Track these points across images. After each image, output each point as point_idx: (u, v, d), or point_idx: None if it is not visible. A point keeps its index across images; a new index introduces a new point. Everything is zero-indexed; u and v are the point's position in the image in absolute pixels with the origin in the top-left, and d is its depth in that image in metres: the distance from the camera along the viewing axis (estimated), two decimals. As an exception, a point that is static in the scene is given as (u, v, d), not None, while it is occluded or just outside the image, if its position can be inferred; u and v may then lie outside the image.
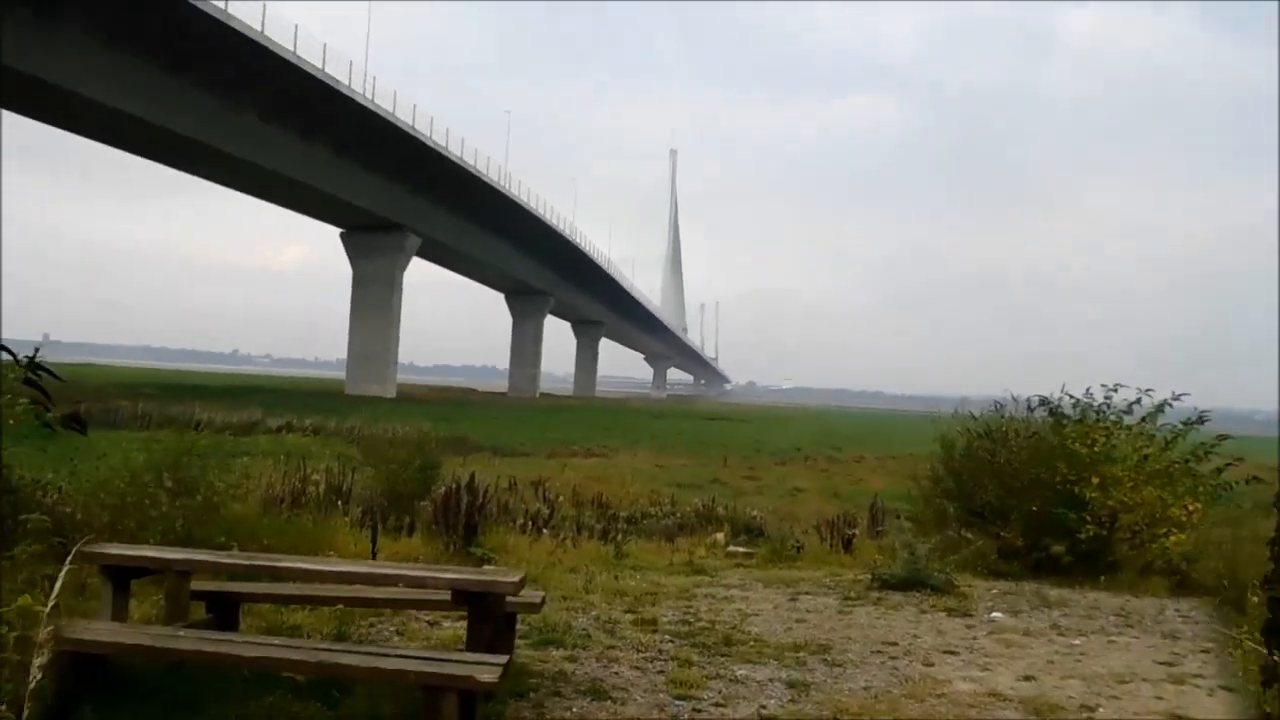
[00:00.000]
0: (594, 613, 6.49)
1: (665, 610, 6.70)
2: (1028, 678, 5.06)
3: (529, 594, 4.63)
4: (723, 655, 5.28)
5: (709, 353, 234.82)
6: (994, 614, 6.97)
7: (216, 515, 8.38)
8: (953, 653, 5.57)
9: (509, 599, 4.15)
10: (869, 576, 8.80)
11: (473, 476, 9.84)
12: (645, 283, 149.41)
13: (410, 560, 8.73)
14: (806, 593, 7.87)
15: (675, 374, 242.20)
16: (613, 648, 5.35)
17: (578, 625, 6.02)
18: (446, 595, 4.17)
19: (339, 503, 9.92)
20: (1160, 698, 4.87)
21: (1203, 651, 5.95)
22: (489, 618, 4.01)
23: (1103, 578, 9.39)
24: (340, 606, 5.53)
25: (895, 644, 5.75)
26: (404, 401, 61.43)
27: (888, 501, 22.74)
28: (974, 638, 6.01)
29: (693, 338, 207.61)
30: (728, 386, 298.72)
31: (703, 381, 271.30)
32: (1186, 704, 4.79)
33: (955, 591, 8.08)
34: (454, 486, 9.69)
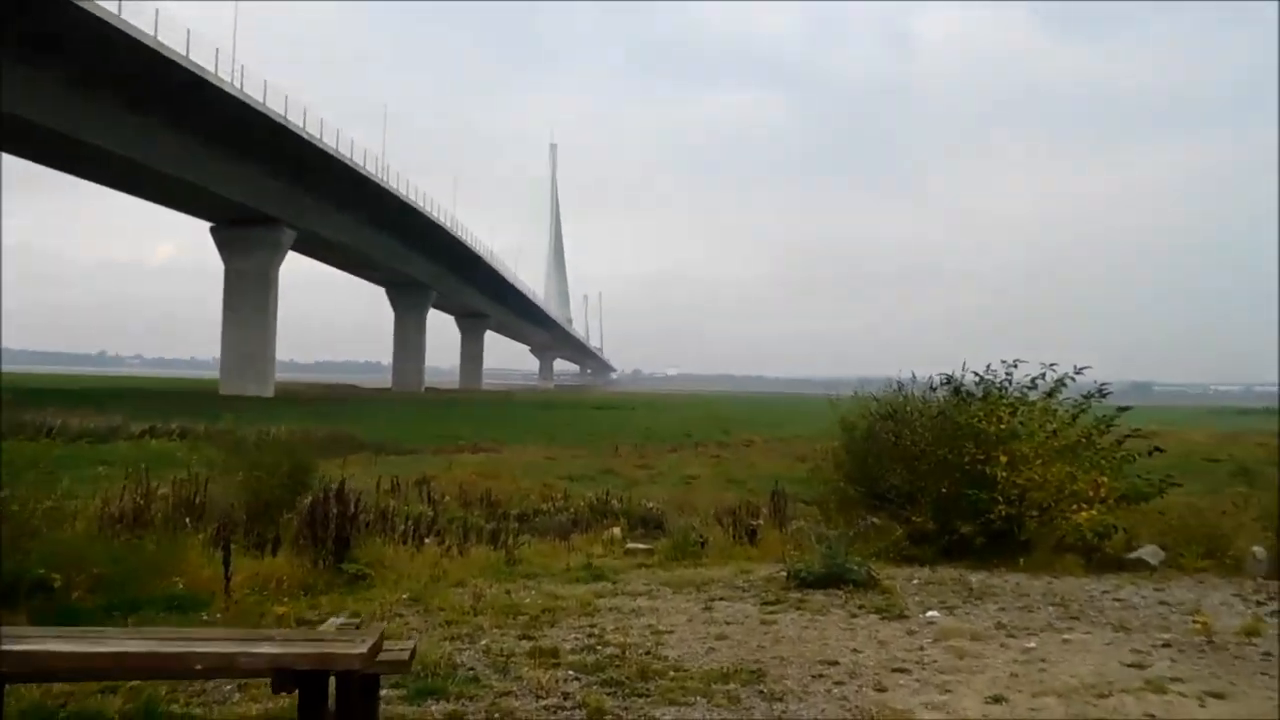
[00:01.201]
0: (484, 642, 5.48)
1: (566, 633, 5.74)
2: (996, 698, 4.30)
3: (392, 649, 3.58)
4: (640, 695, 4.35)
5: (594, 343, 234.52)
6: (929, 613, 6.26)
7: (32, 542, 7.04)
8: (903, 670, 4.79)
9: (358, 669, 3.03)
10: (784, 574, 8.05)
11: (343, 483, 8.65)
12: (530, 275, 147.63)
13: (273, 582, 7.55)
14: (720, 598, 7.03)
15: (562, 364, 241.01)
16: (507, 694, 4.34)
17: (464, 662, 5.00)
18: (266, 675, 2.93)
19: (187, 519, 8.56)
20: (1151, 715, 4.19)
21: (1164, 646, 5.36)
22: (328, 698, 2.90)
23: (1021, 560, 8.85)
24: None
25: (836, 663, 4.93)
26: (282, 400, 58.65)
27: (783, 485, 22.43)
28: (919, 648, 5.25)
29: (578, 328, 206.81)
30: (614, 375, 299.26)
31: (589, 371, 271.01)
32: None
33: (878, 586, 7.38)
34: (322, 495, 8.48)
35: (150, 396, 51.95)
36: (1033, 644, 5.31)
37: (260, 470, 12.13)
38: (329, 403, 61.76)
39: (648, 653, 5.18)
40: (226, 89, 50.27)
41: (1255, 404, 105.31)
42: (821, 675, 4.71)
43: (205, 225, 69.19)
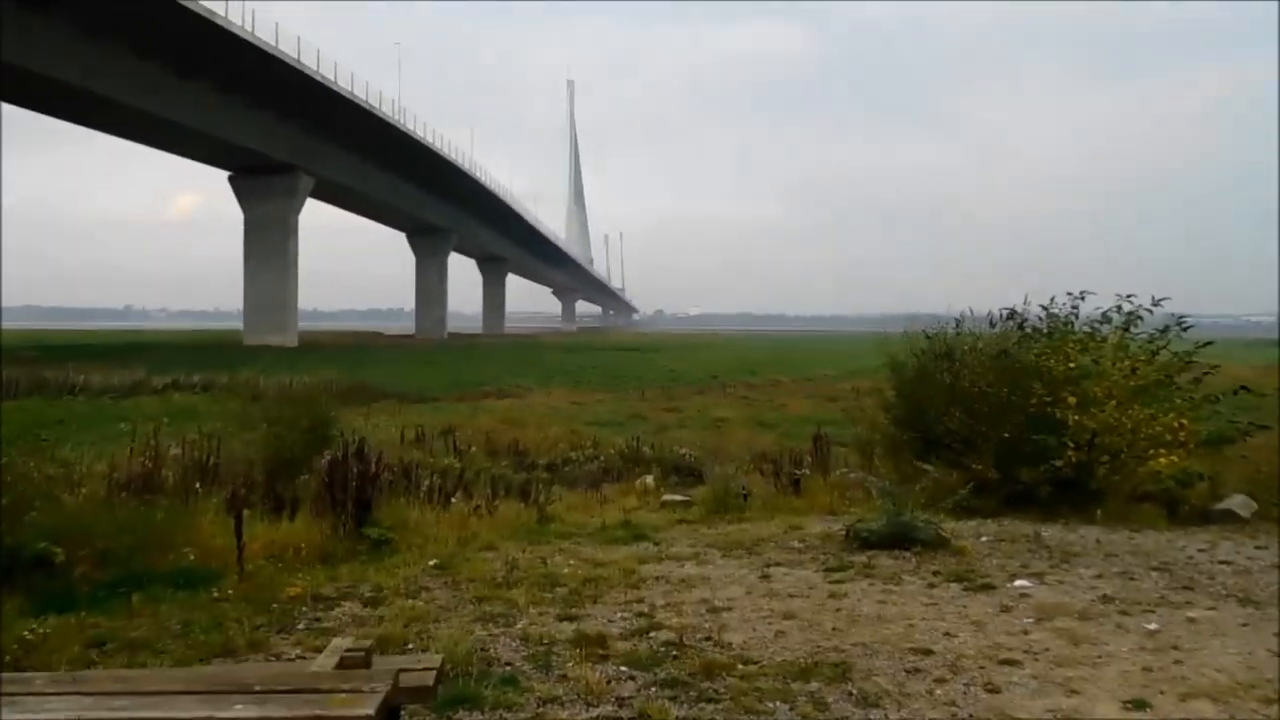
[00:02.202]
0: (520, 625, 4.83)
1: (612, 612, 5.08)
2: (1137, 703, 3.58)
3: (413, 664, 2.90)
4: (708, 699, 3.65)
5: (616, 283, 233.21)
6: (1018, 582, 5.55)
7: (32, 514, 6.48)
8: (1012, 663, 4.09)
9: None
10: (840, 531, 7.38)
11: (362, 441, 8.03)
12: (549, 217, 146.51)
13: (290, 551, 6.96)
14: (777, 563, 6.36)
15: (584, 306, 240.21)
16: (551, 700, 3.68)
17: (499, 654, 4.35)
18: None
19: (198, 485, 7.98)
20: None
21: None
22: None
23: (1099, 511, 8.13)
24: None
25: (930, 652, 4.24)
26: (306, 350, 58.34)
27: (812, 426, 21.71)
28: (1024, 631, 4.55)
29: (599, 269, 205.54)
30: (636, 316, 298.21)
31: (611, 312, 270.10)
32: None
33: (948, 546, 6.69)
34: (341, 454, 7.86)
35: (175, 350, 51.80)
36: (1153, 625, 4.60)
37: (279, 426, 11.58)
38: (352, 351, 61.44)
39: (708, 638, 4.50)
40: (238, 33, 49.10)
41: None
42: (917, 670, 4.01)
43: (221, 174, 68.51)
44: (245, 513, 7.38)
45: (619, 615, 5.03)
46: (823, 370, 48.28)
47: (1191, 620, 4.72)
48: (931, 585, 5.59)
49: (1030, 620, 4.75)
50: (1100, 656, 4.17)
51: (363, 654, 2.46)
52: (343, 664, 2.40)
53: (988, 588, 5.46)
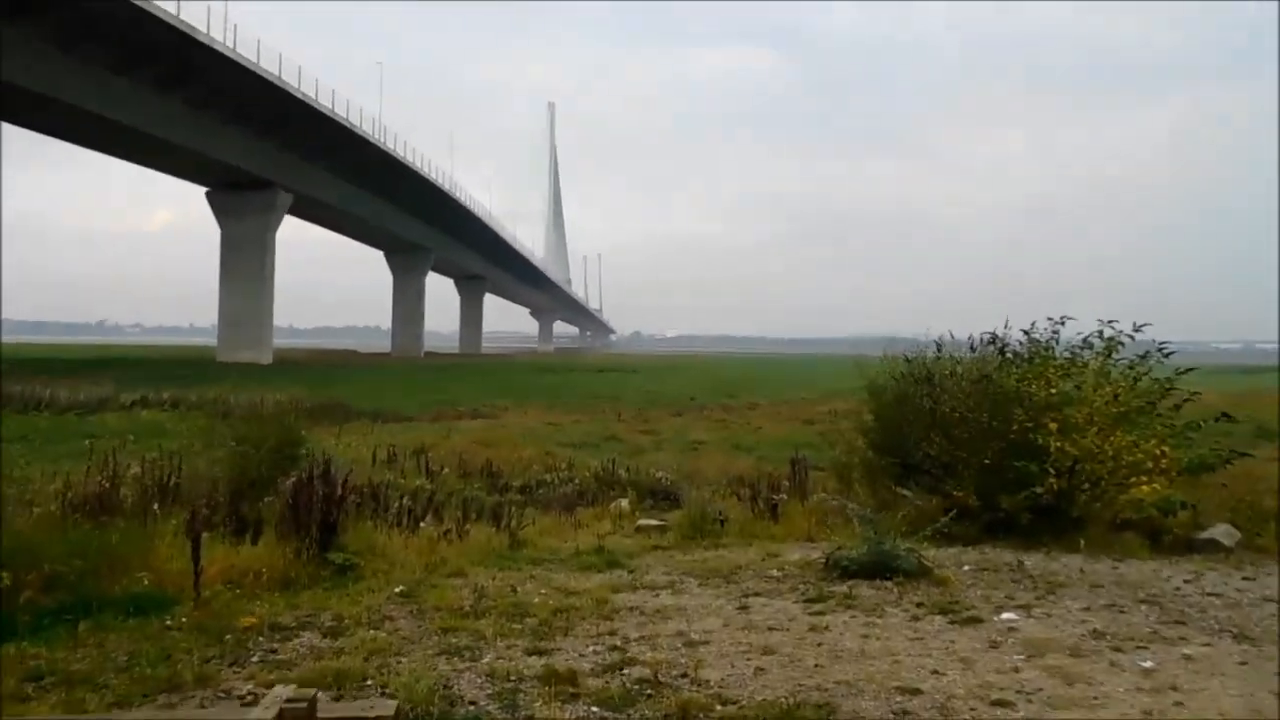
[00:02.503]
0: (486, 659, 4.58)
1: (584, 645, 4.84)
2: (1136, 751, 3.41)
3: (364, 713, 2.66)
4: (685, 746, 3.46)
5: (593, 304, 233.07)
6: (1005, 615, 5.37)
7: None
8: (1005, 704, 3.88)
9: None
10: (818, 558, 7.18)
11: (328, 463, 7.75)
12: (528, 236, 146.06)
13: (250, 576, 6.67)
14: (755, 593, 6.14)
15: (561, 327, 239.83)
16: (517, 746, 3.45)
17: (463, 692, 4.10)
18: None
19: (156, 506, 7.65)
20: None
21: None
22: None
23: (1081, 540, 7.97)
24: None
25: (919, 692, 4.02)
26: (280, 367, 57.75)
27: (789, 449, 21.51)
28: (1014, 669, 4.35)
29: (577, 290, 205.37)
30: (613, 337, 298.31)
31: (588, 333, 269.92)
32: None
33: (930, 576, 6.50)
34: (305, 475, 7.58)
35: (146, 365, 51.06)
36: (1149, 662, 4.42)
37: (246, 444, 11.26)
38: (327, 369, 60.86)
39: (684, 675, 4.28)
40: (219, 49, 48.84)
41: (1258, 361, 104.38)
42: (905, 712, 3.79)
43: (199, 190, 67.92)
44: (206, 535, 7.08)
45: (590, 649, 4.80)
46: (799, 392, 48.22)
47: (1188, 658, 4.54)
48: (915, 618, 5.39)
49: (1020, 657, 4.56)
50: (1096, 698, 3.98)
51: (305, 705, 2.23)
52: (283, 717, 2.16)
53: (974, 620, 5.26)
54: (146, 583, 6.29)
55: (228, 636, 4.96)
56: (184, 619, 5.38)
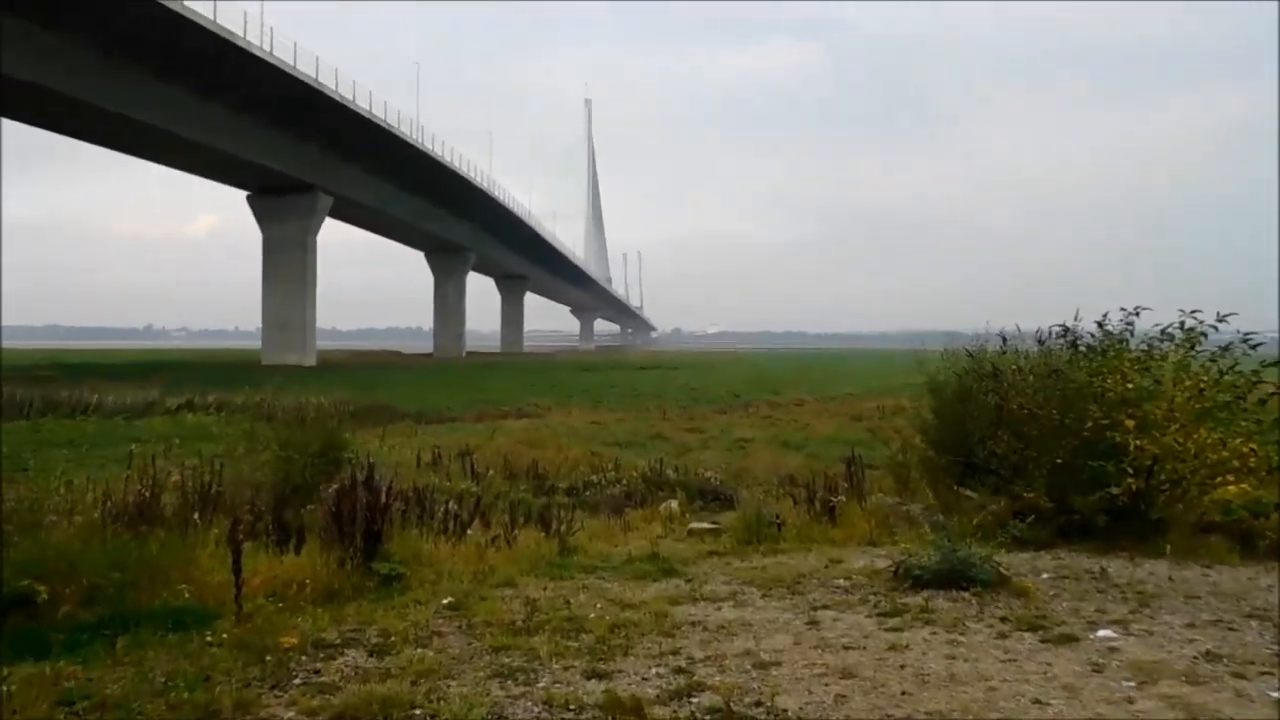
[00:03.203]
0: (542, 683, 4.28)
1: (645, 667, 4.52)
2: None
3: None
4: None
5: (634, 302, 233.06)
6: (1101, 632, 4.96)
7: (12, 549, 6.01)
8: (1124, 742, 3.53)
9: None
10: (886, 566, 6.81)
11: (371, 469, 7.50)
12: (567, 235, 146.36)
13: (294, 587, 6.45)
14: (823, 605, 5.79)
15: (602, 325, 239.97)
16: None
17: (518, 723, 3.81)
18: None
19: (196, 515, 7.46)
20: None
21: None
22: None
23: (1167, 545, 7.51)
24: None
25: (1022, 724, 3.67)
26: (324, 369, 58.23)
27: (839, 447, 21.14)
28: (1126, 698, 3.94)
29: (617, 288, 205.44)
30: (654, 334, 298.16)
31: (629, 331, 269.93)
32: None
33: (1009, 585, 6.10)
34: (348, 482, 7.35)
35: (192, 369, 51.74)
36: (1276, 694, 4.01)
37: (289, 449, 11.11)
38: (370, 370, 61.30)
39: (759, 703, 3.93)
40: (257, 53, 49.27)
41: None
42: (1011, 749, 3.46)
43: (241, 194, 68.67)
44: (248, 545, 6.89)
45: (653, 671, 4.47)
46: (844, 388, 47.66)
47: (1319, 685, 4.12)
48: (1002, 635, 5.00)
49: (1130, 684, 4.15)
50: (1228, 737, 3.59)
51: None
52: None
53: (1068, 639, 4.86)
54: (187, 595, 6.09)
55: (269, 657, 4.70)
56: (225, 634, 5.15)
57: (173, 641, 5.06)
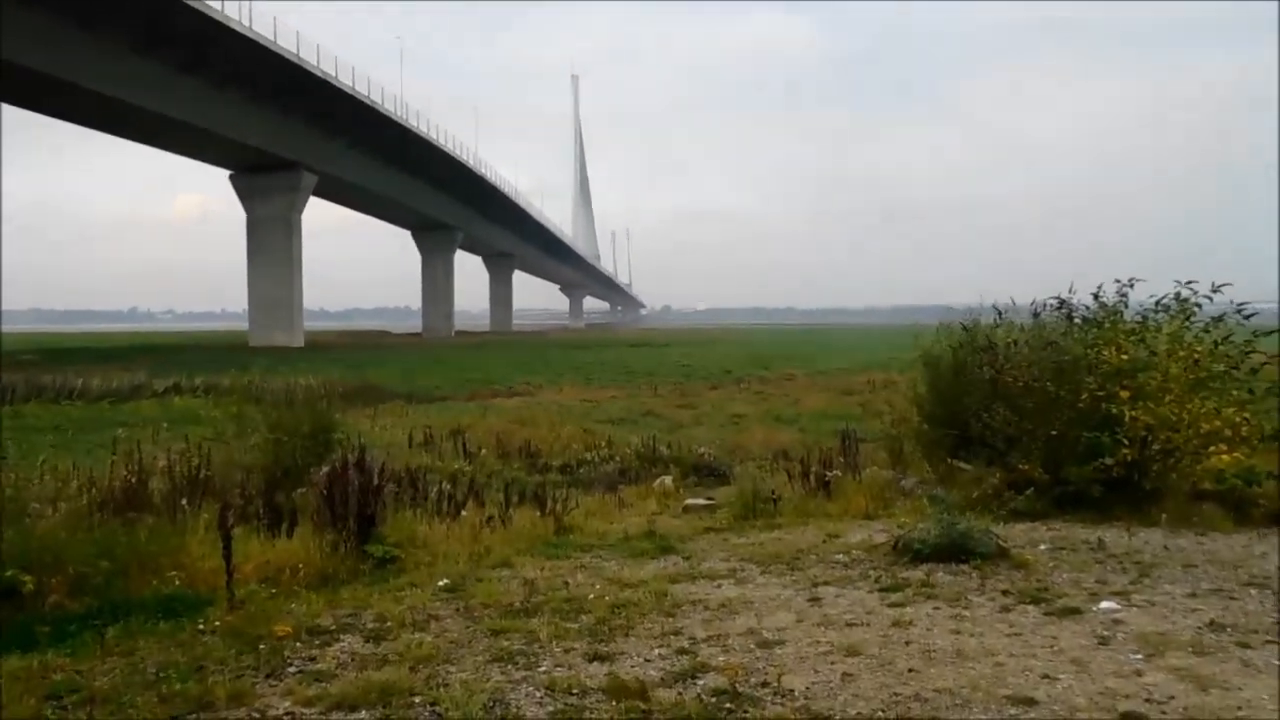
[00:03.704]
0: (543, 667, 4.21)
1: (648, 648, 4.47)
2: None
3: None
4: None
5: (623, 279, 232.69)
6: (1103, 604, 4.93)
7: (-1, 538, 5.91)
8: (1138, 718, 3.47)
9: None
10: (884, 539, 6.79)
11: (363, 451, 7.42)
12: (555, 212, 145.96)
13: (286, 572, 6.37)
14: (824, 581, 5.75)
15: (591, 302, 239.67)
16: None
17: (522, 711, 3.71)
18: None
19: (184, 501, 7.35)
20: None
21: None
22: None
23: (1162, 514, 7.50)
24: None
25: (1034, 702, 3.59)
26: (312, 350, 57.95)
27: (831, 421, 21.16)
28: (1135, 671, 3.90)
29: (606, 265, 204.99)
30: (644, 311, 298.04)
31: (619, 308, 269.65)
32: None
33: (1009, 558, 6.07)
34: (339, 464, 7.26)
35: (179, 351, 51.45)
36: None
37: (279, 431, 11.00)
38: (359, 350, 61.05)
39: (765, 684, 3.87)
40: (237, 28, 48.65)
41: None
42: (1022, 729, 3.40)
43: (225, 173, 68.03)
44: (239, 529, 6.81)
45: (656, 652, 4.41)
46: (834, 363, 47.69)
47: (1326, 655, 4.09)
48: (1005, 609, 4.96)
49: (1138, 656, 4.12)
50: (1240, 707, 3.54)
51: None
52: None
53: (1071, 612, 4.83)
54: (178, 583, 6.02)
55: (263, 645, 4.63)
56: (217, 622, 5.07)
57: (164, 630, 4.98)
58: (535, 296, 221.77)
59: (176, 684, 4.09)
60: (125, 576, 6.06)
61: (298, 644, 4.70)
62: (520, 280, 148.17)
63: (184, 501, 7.26)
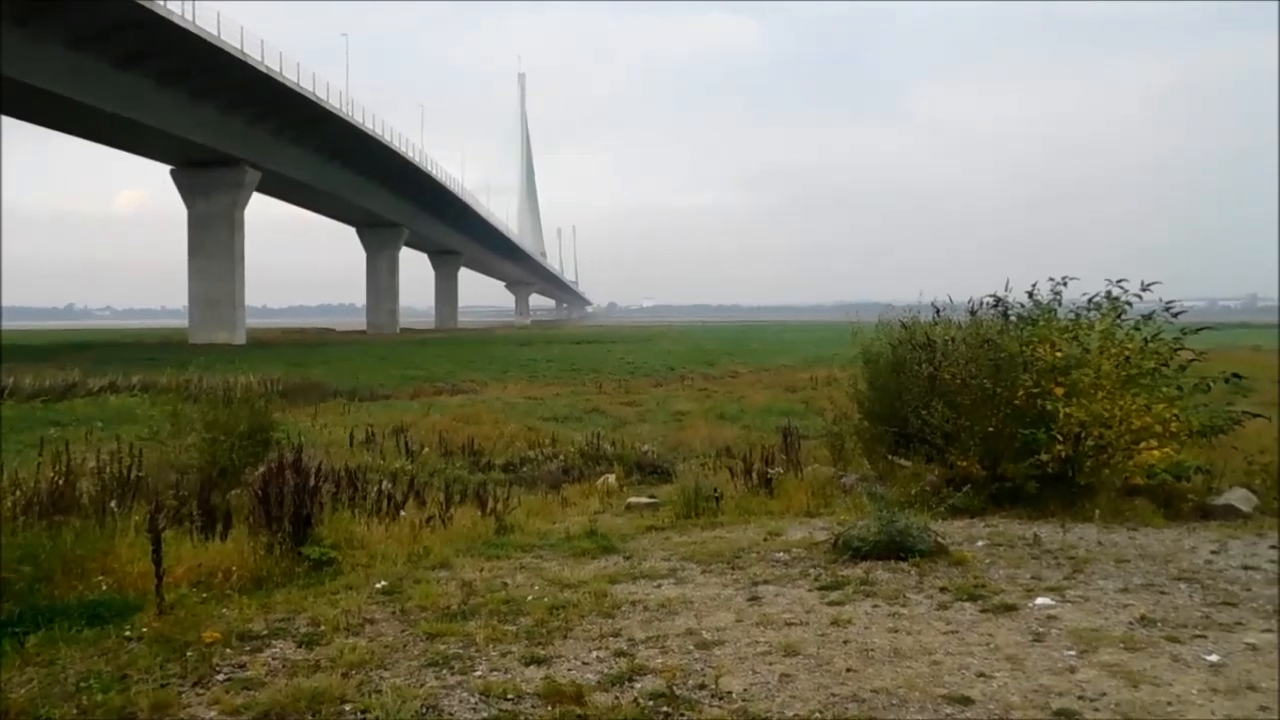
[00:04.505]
0: (479, 671, 4.10)
1: (585, 650, 4.38)
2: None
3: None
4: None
5: (569, 276, 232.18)
6: (1038, 600, 4.95)
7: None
8: (1071, 715, 3.44)
9: None
10: (824, 537, 6.78)
11: (299, 451, 7.23)
12: (502, 209, 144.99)
13: (219, 575, 6.15)
14: (764, 580, 5.71)
15: (537, 300, 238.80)
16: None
17: (456, 717, 3.62)
18: None
19: (112, 502, 7.09)
20: None
21: None
22: None
23: (1095, 509, 7.59)
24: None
25: (969, 700, 3.56)
26: (254, 347, 56.87)
27: (774, 417, 21.23)
28: (1068, 668, 3.89)
29: (553, 262, 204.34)
30: (589, 309, 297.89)
31: (565, 305, 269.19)
32: None
33: (947, 555, 6.09)
34: (274, 464, 7.07)
35: (116, 349, 50.11)
36: (1214, 656, 3.98)
37: (215, 430, 10.72)
38: (302, 348, 60.02)
39: (702, 686, 3.81)
40: (179, 23, 47.48)
41: (1258, 318, 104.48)
42: (954, 725, 3.38)
43: (166, 169, 66.43)
44: (172, 532, 6.59)
45: (594, 655, 4.33)
46: (779, 360, 47.98)
47: (1253, 648, 4.12)
48: (943, 606, 4.95)
49: (1072, 653, 4.12)
50: (1170, 703, 3.55)
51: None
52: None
53: (1008, 608, 4.83)
54: (105, 588, 5.79)
55: (190, 651, 4.45)
56: (145, 628, 4.87)
57: (89, 638, 4.77)
58: (481, 294, 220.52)
59: (98, 694, 3.91)
60: (49, 582, 5.81)
61: (227, 650, 4.54)
62: (467, 277, 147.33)
63: (113, 503, 6.99)
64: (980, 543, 6.66)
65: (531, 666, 4.17)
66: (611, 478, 13.43)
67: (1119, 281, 8.66)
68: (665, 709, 3.62)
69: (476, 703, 3.75)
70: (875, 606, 4.99)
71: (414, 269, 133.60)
